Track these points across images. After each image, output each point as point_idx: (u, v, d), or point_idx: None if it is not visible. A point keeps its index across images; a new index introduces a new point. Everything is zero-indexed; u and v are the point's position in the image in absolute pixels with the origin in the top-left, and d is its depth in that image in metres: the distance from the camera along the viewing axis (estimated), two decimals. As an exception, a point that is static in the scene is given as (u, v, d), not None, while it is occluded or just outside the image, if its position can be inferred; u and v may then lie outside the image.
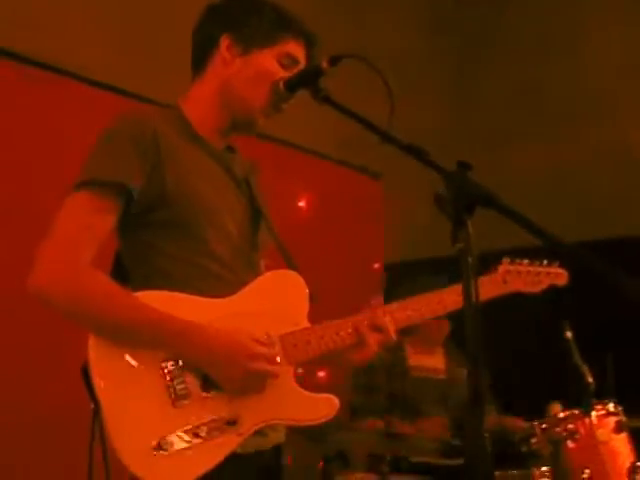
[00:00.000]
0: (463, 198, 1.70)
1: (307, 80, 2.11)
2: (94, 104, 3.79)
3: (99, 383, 1.93)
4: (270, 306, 2.10)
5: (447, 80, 6.32)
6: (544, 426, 3.42)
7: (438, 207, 1.72)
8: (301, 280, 2.18)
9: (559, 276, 2.55)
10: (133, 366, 1.96)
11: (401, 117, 1.99)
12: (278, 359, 2.05)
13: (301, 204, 5.09)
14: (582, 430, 3.35)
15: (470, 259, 1.66)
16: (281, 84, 2.16)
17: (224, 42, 2.20)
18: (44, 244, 1.97)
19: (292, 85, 2.15)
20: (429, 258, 5.50)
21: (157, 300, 1.99)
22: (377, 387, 4.17)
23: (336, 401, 2.08)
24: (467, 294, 1.66)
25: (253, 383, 2.00)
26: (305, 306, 2.16)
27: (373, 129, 1.95)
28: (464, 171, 1.74)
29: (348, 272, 5.26)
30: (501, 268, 2.46)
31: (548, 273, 2.53)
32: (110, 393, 1.93)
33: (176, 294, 2.04)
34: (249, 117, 2.21)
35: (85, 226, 1.99)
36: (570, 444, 3.34)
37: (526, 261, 2.52)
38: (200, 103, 2.21)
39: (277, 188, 4.68)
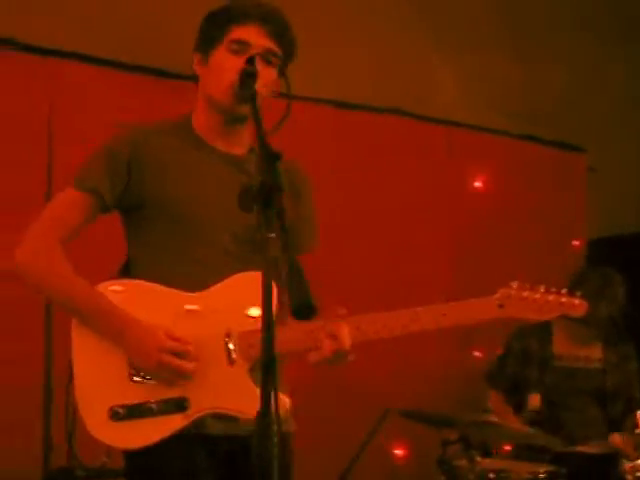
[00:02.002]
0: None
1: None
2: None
3: (74, 352, 2.26)
4: (236, 304, 2.25)
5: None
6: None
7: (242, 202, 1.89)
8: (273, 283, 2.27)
9: (576, 307, 2.36)
10: (103, 340, 2.25)
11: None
12: (190, 358, 2.20)
13: (485, 184, 5.03)
14: None
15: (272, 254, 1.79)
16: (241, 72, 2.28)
17: (194, 60, 2.42)
18: (30, 226, 2.34)
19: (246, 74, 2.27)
20: (635, 233, 5.27)
21: (120, 287, 2.30)
22: (530, 357, 4.12)
23: (286, 400, 2.19)
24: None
25: (167, 374, 2.20)
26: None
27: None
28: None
29: (547, 249, 5.17)
30: (501, 291, 2.32)
31: (561, 303, 2.35)
32: (80, 361, 2.26)
33: (144, 284, 2.30)
34: (226, 107, 2.33)
35: (59, 216, 2.35)
36: None
37: (542, 288, 2.35)
38: (198, 112, 2.43)
39: (454, 170, 4.85)
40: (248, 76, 2.25)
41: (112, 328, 2.24)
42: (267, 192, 1.90)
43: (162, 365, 2.19)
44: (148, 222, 2.36)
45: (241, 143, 2.43)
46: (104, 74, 3.85)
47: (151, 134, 2.39)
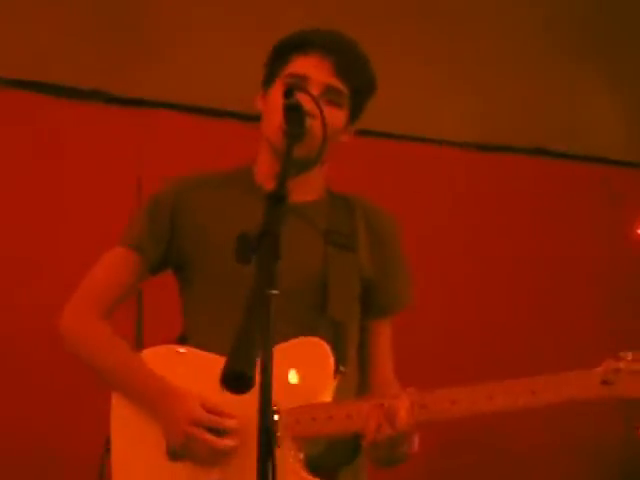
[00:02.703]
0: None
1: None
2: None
3: (112, 425, 2.07)
4: (286, 376, 1.95)
5: None
6: None
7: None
8: (328, 352, 1.97)
9: None
10: (141, 412, 2.04)
11: None
12: (230, 435, 1.93)
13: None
14: None
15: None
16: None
17: (258, 98, 2.15)
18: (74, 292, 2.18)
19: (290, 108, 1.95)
20: None
21: (160, 356, 2.07)
22: None
23: None
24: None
25: (198, 450, 1.93)
26: (327, 380, 1.97)
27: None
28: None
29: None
30: (606, 364, 1.81)
31: None
32: (118, 435, 2.06)
33: (192, 350, 2.06)
34: (279, 150, 1.99)
35: (100, 279, 2.16)
36: None
37: None
38: (260, 158, 2.16)
39: (613, 215, 4.23)
40: (290, 110, 1.91)
41: (148, 398, 2.01)
42: (267, 240, 1.60)
43: (191, 440, 1.93)
44: (194, 283, 2.12)
45: (309, 189, 2.13)
46: (193, 122, 3.65)
47: (199, 185, 2.17)
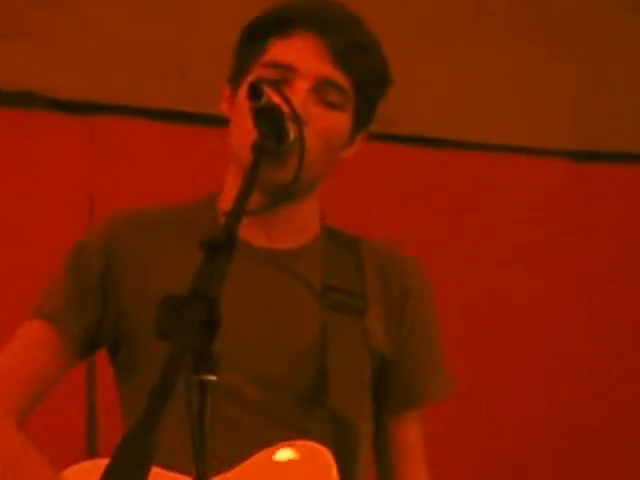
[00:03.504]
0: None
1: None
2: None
3: None
4: None
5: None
6: None
7: None
8: (329, 460, 1.45)
9: None
10: None
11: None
12: None
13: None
14: None
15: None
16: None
17: (222, 97, 1.63)
18: None
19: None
20: None
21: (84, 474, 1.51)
22: None
23: None
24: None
25: None
26: None
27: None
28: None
29: None
30: None
31: None
32: None
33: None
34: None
35: (19, 372, 1.61)
36: None
37: None
38: (228, 182, 1.62)
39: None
40: (261, 114, 1.39)
41: None
42: (199, 307, 1.12)
43: None
44: (132, 369, 1.60)
45: (297, 229, 1.61)
46: (149, 126, 3.13)
47: (141, 227, 1.64)
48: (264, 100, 1.38)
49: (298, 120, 1.42)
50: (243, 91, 1.50)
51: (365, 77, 1.55)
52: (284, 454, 1.49)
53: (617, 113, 3.52)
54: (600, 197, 3.46)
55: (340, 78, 1.52)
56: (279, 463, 1.49)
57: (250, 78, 1.50)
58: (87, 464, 1.56)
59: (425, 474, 1.66)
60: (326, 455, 1.46)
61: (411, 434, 1.64)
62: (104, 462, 1.47)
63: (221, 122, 1.74)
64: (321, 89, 1.52)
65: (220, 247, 1.16)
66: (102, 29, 3.10)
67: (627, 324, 3.39)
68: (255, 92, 1.38)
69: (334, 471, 1.46)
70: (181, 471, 1.35)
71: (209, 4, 3.19)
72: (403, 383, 1.63)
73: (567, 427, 3.31)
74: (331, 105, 1.53)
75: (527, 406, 3.28)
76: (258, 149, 1.37)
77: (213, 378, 1.10)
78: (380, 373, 1.61)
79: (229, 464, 1.47)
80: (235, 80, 1.59)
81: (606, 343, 3.35)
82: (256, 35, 1.56)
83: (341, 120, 1.55)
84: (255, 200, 1.37)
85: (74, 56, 3.08)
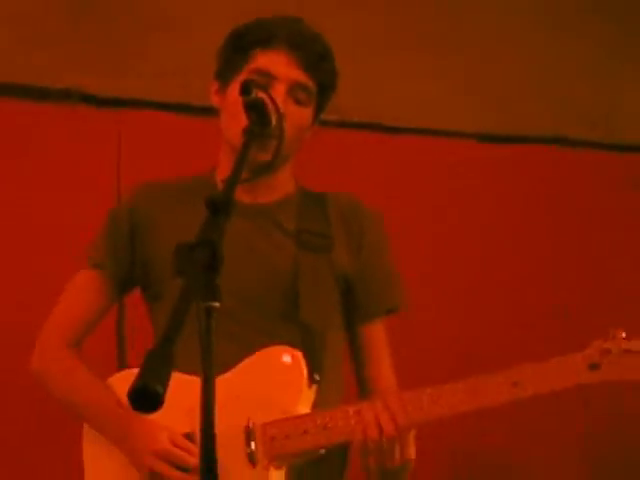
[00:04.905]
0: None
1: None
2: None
3: (85, 463, 2.01)
4: (258, 388, 1.88)
5: None
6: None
7: None
8: (298, 359, 1.89)
9: None
10: (113, 448, 1.97)
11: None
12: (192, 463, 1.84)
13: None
14: None
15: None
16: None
17: (212, 89, 2.06)
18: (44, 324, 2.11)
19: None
20: None
21: (127, 382, 1.76)
22: None
23: None
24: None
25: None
26: (300, 389, 1.88)
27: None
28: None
29: None
30: (595, 345, 1.69)
31: None
32: (91, 473, 2.00)
33: None
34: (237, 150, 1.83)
35: (68, 307, 2.09)
36: None
37: None
38: (221, 157, 2.07)
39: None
40: (252, 108, 1.79)
41: (116, 431, 1.93)
42: (205, 251, 1.44)
43: (155, 475, 1.86)
44: (158, 302, 2.04)
45: (276, 189, 2.06)
46: (174, 120, 3.40)
47: (157, 197, 2.10)
48: (253, 95, 1.76)
49: (280, 115, 1.81)
50: (234, 88, 1.89)
51: (325, 79, 1.99)
52: (265, 355, 1.88)
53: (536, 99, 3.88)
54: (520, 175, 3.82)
55: (308, 81, 1.95)
56: (261, 362, 1.88)
57: (240, 78, 1.89)
58: (121, 373, 2.01)
59: (391, 368, 2.05)
60: (296, 355, 1.85)
61: (379, 337, 2.05)
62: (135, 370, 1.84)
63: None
64: (293, 90, 1.93)
65: (220, 205, 1.50)
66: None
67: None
68: (246, 89, 1.76)
69: (302, 367, 1.85)
70: (193, 373, 1.63)
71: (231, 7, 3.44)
72: (367, 296, 2.04)
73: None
74: (300, 102, 1.96)
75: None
76: (248, 132, 1.75)
77: (217, 305, 1.39)
78: (347, 293, 2.01)
79: (225, 367, 1.82)
80: (223, 78, 2.01)
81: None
82: (242, 46, 1.98)
83: (307, 114, 1.99)
84: (244, 174, 1.76)
85: (105, 58, 3.37)
